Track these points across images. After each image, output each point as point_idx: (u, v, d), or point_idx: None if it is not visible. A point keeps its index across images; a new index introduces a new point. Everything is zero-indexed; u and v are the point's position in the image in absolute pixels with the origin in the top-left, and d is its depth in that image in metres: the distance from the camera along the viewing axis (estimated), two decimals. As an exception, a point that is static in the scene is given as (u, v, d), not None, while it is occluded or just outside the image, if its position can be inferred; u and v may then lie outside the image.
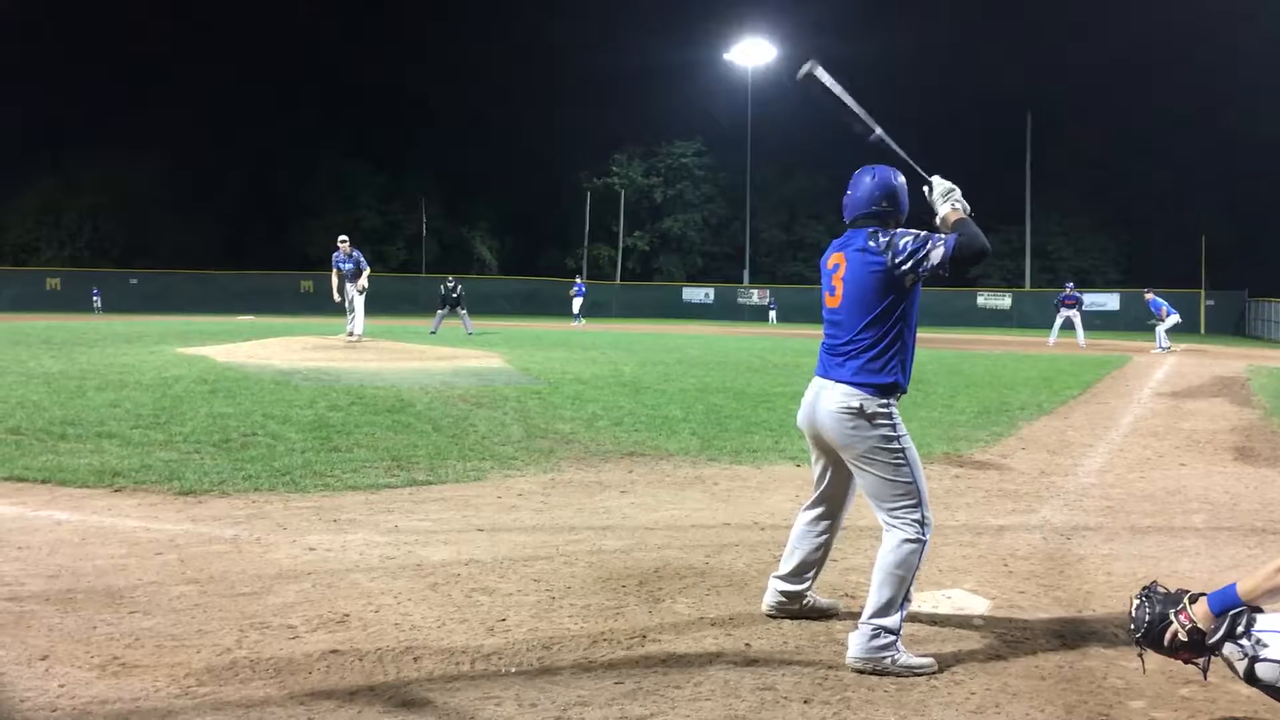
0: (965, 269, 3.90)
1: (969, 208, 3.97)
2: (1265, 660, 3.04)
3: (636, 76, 70.65)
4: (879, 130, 4.15)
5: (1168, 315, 27.38)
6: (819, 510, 4.31)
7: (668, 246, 72.81)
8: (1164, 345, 27.18)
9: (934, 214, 4.02)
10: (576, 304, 43.68)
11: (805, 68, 4.22)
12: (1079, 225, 66.42)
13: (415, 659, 3.81)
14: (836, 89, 4.20)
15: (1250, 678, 3.10)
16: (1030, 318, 51.04)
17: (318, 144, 67.66)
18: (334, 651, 3.85)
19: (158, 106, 63.44)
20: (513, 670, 3.71)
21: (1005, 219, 60.08)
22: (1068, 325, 29.61)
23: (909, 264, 3.85)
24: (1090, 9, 69.08)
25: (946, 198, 3.97)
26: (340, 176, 67.37)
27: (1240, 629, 3.09)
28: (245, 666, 3.68)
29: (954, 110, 66.68)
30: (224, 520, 5.92)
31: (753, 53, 64.19)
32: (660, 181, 72.49)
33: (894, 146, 4.11)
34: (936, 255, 3.80)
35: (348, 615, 4.27)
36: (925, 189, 4.05)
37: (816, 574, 4.37)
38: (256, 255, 61.81)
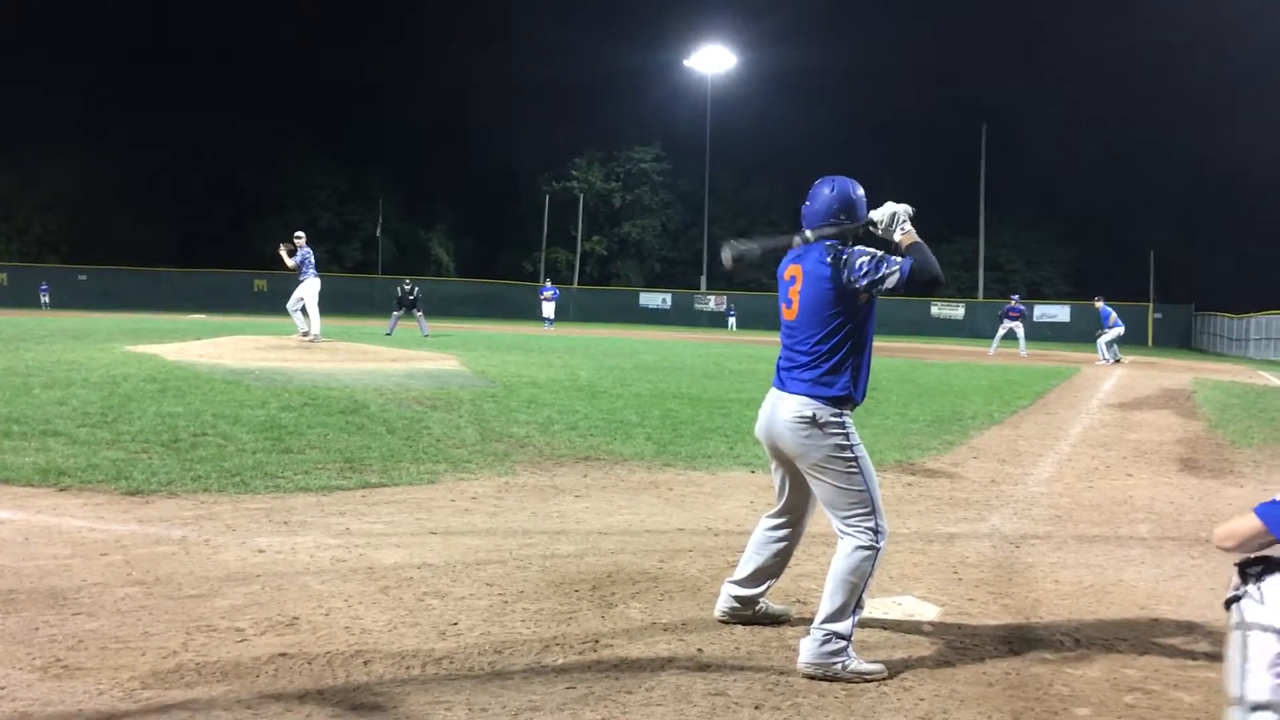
0: (919, 293, 3.94)
1: (912, 211, 4.00)
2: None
3: (597, 81, 71.00)
4: (809, 235, 4.10)
5: (1111, 327, 27.68)
6: (781, 519, 4.33)
7: (626, 251, 72.92)
8: (1112, 357, 27.54)
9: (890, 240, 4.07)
10: (549, 308, 43.43)
11: (727, 255, 4.17)
12: (1031, 238, 67.42)
13: (365, 663, 3.77)
14: (760, 248, 4.22)
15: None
16: (983, 328, 51.62)
17: (275, 143, 67.09)
18: (282, 655, 3.81)
19: (110, 102, 62.65)
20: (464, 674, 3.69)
21: (959, 230, 60.83)
22: (1009, 336, 30.52)
23: (864, 283, 3.89)
24: (1044, 28, 70.27)
25: (894, 225, 4.01)
26: (297, 175, 66.82)
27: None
28: (191, 670, 3.63)
29: (910, 121, 67.49)
30: (172, 521, 5.84)
31: (713, 60, 64.46)
32: (619, 186, 72.61)
33: (825, 234, 4.07)
34: (891, 280, 3.85)
35: (297, 618, 4.23)
36: (870, 229, 4.07)
37: (772, 582, 4.38)
38: (209, 253, 61.09)
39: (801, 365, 4.03)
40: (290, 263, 19.58)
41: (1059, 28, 70.25)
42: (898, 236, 3.99)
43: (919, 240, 3.95)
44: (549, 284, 48.85)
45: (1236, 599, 3.09)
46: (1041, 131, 65.06)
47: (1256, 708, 2.97)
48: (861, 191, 4.16)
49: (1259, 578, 3.04)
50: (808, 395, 3.98)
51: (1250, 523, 3.06)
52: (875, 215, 4.06)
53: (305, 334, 19.30)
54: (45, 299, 49.15)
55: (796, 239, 4.12)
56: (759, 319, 52.04)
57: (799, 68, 67.87)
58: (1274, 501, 3.06)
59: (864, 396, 4.07)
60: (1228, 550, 3.16)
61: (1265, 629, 2.98)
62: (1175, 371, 25.26)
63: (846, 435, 3.97)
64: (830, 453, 3.96)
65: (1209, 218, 62.17)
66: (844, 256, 3.93)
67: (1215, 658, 3.92)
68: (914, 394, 15.25)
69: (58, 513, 5.94)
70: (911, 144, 65.96)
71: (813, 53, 68.22)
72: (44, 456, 7.42)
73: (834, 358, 3.97)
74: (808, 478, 4.07)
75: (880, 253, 3.92)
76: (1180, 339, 52.12)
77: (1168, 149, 61.98)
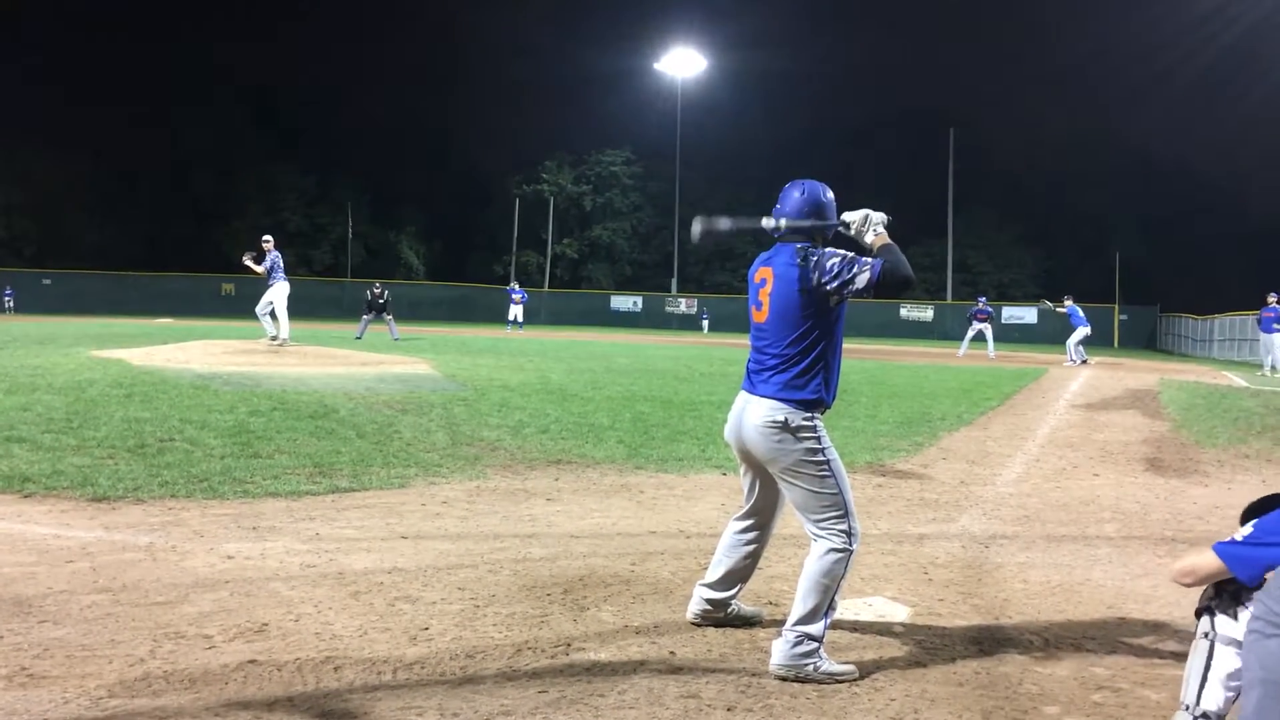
0: (890, 295, 3.97)
1: (888, 219, 4.03)
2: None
3: (568, 84, 70.97)
4: (782, 223, 4.12)
5: (1076, 326, 27.89)
6: (748, 522, 4.33)
7: (596, 254, 72.90)
8: (1080, 358, 27.76)
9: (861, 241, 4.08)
10: (516, 310, 43.30)
11: (697, 230, 4.29)
12: (999, 240, 68.02)
13: (336, 669, 3.75)
14: (731, 226, 4.30)
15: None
16: (952, 330, 51.99)
17: (242, 145, 66.62)
18: (252, 662, 3.78)
19: (75, 103, 61.92)
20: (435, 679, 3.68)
21: (928, 233, 61.28)
22: (979, 337, 30.70)
23: (834, 285, 3.89)
24: (1011, 34, 71.01)
25: (865, 227, 4.03)
26: (265, 178, 66.38)
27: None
28: (159, 677, 3.60)
29: (879, 125, 67.90)
30: (138, 527, 5.78)
31: (683, 63, 64.59)
32: (590, 189, 72.60)
33: (803, 225, 4.11)
34: (861, 280, 3.85)
35: (266, 624, 4.20)
36: (842, 229, 4.10)
37: (743, 584, 4.39)
38: (176, 256, 60.54)
39: (771, 368, 4.03)
40: (259, 269, 19.49)
41: (1025, 33, 70.95)
42: (870, 238, 4.01)
43: (891, 243, 3.96)
44: (517, 286, 48.67)
45: (1209, 610, 3.11)
46: (1008, 135, 65.68)
47: (1205, 716, 3.01)
48: (831, 195, 4.18)
49: (1236, 595, 3.05)
50: (778, 399, 3.98)
51: (1211, 562, 3.07)
52: (848, 217, 4.08)
53: (274, 338, 19.17)
54: (10, 303, 48.55)
55: (768, 221, 4.13)
56: (731, 321, 52.17)
57: (769, 71, 68.23)
58: (1233, 542, 3.06)
59: (834, 399, 4.08)
60: (1186, 586, 3.18)
61: (1230, 642, 3.01)
62: (1141, 372, 25.52)
63: (818, 439, 3.97)
64: (802, 457, 3.96)
65: (1173, 220, 62.94)
66: (814, 258, 3.94)
67: (1181, 656, 3.95)
68: (884, 395, 15.33)
69: (22, 520, 5.87)
70: (880, 147, 66.45)
71: (782, 57, 68.72)
72: (8, 463, 7.33)
73: (804, 360, 3.97)
74: (779, 482, 4.08)
75: (850, 254, 3.93)
76: (1145, 340, 52.70)
77: (1132, 152, 62.77)
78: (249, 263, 19.68)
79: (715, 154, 68.41)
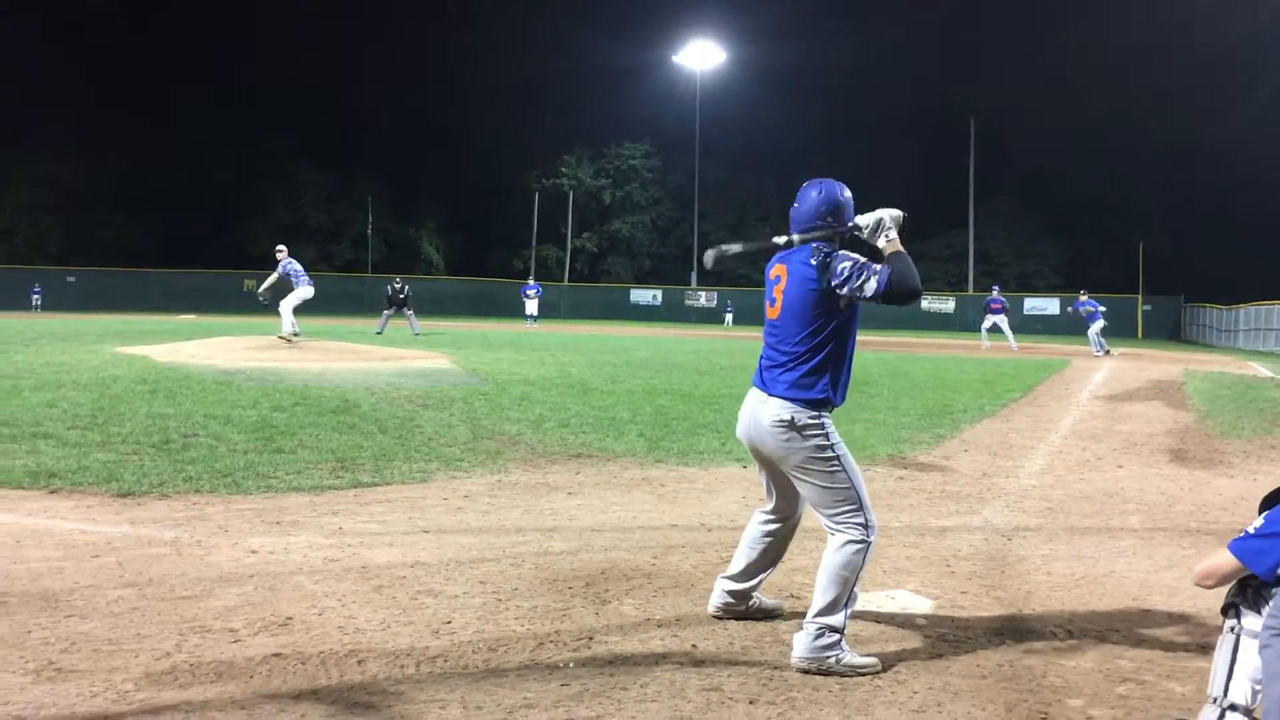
0: (896, 303, 3.92)
1: (904, 216, 4.01)
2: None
3: (586, 78, 70.83)
4: (795, 238, 4.10)
5: (1089, 319, 27.67)
6: (772, 516, 4.34)
7: (616, 248, 72.92)
8: (1102, 348, 27.58)
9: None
10: (532, 305, 43.38)
11: (710, 258, 4.41)
12: (1021, 231, 67.58)
13: (359, 662, 3.77)
14: (742, 250, 4.34)
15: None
16: (973, 321, 51.52)
17: (262, 142, 66.94)
18: (276, 655, 3.80)
19: (99, 103, 62.32)
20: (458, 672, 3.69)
21: (949, 223, 60.97)
22: (995, 329, 30.16)
23: (843, 289, 3.90)
24: (1031, 22, 70.52)
25: (878, 232, 4.02)
26: (285, 175, 66.68)
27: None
28: (185, 671, 3.63)
29: (900, 117, 67.64)
30: (163, 522, 5.82)
31: (701, 56, 64.49)
32: (609, 183, 72.65)
33: (813, 234, 4.07)
34: (869, 288, 3.85)
35: (290, 618, 4.22)
36: (856, 233, 4.08)
37: (765, 576, 4.39)
38: (198, 253, 60.89)
39: (781, 365, 4.04)
40: (276, 275, 19.77)
41: (1046, 21, 70.46)
42: (881, 243, 4.00)
43: (902, 250, 3.95)
44: (532, 281, 48.84)
45: (1235, 606, 3.09)
46: (1030, 125, 65.27)
47: (1234, 708, 2.99)
48: (849, 194, 4.16)
49: (1259, 590, 3.03)
50: (786, 398, 3.99)
51: (1228, 561, 3.05)
52: (862, 220, 4.07)
53: (296, 334, 19.29)
54: (37, 301, 49.00)
55: (782, 239, 4.13)
56: (754, 314, 52.06)
57: (788, 63, 67.92)
58: (1245, 536, 3.04)
59: (844, 400, 4.08)
60: (1209, 588, 3.16)
61: (1256, 637, 2.98)
62: (1165, 363, 25.34)
63: (826, 435, 3.98)
64: (811, 454, 3.97)
65: (1198, 209, 62.44)
66: (828, 260, 3.94)
67: (1207, 649, 3.94)
68: (905, 388, 15.27)
69: (49, 515, 5.92)
70: (900, 138, 66.15)
71: (801, 48, 68.36)
72: (34, 459, 7.39)
73: (814, 359, 3.98)
74: (792, 479, 4.08)
75: (863, 259, 3.92)
76: (1169, 331, 52.34)
77: (1156, 141, 62.25)
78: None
79: (734, 146, 68.32)
